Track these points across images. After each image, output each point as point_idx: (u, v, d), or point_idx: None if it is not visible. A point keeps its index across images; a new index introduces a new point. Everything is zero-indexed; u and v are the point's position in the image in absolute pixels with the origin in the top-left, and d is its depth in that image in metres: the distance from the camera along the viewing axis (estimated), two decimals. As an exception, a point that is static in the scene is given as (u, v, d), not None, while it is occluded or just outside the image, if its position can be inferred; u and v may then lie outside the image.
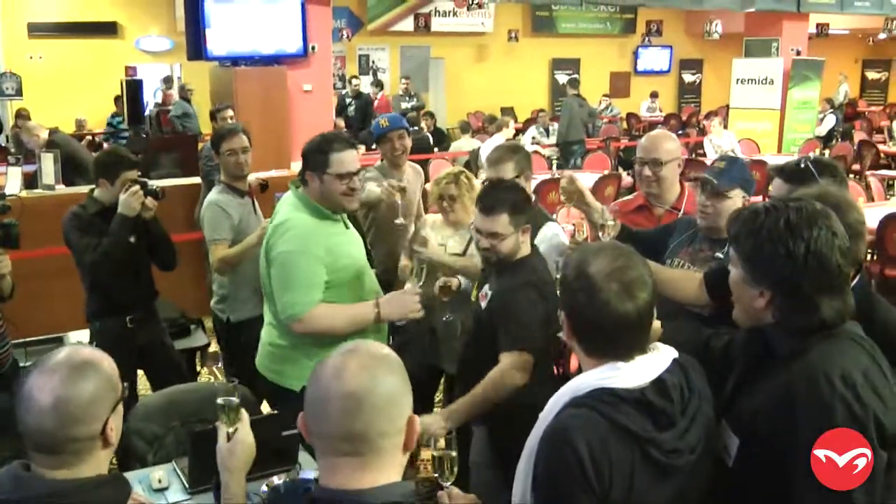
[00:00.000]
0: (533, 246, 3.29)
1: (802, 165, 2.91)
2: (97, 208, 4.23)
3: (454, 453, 2.20)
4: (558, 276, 2.13)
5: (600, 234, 3.23)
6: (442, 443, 2.18)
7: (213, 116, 7.58)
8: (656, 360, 1.94)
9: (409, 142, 4.91)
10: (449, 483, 2.16)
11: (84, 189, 6.89)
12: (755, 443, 1.99)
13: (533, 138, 13.30)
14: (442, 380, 4.55)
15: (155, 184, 4.36)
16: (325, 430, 1.65)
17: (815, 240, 1.91)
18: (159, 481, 2.83)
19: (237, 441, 2.27)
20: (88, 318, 4.39)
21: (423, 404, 4.51)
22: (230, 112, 7.23)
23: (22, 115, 11.91)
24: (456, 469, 2.20)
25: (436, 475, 2.16)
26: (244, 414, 2.34)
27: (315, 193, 3.32)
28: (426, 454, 4.04)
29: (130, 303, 4.32)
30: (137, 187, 4.12)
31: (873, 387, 1.87)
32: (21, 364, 4.33)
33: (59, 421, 1.76)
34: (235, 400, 2.32)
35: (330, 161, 3.27)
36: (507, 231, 3.09)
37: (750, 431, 2.00)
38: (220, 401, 2.31)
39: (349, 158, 3.30)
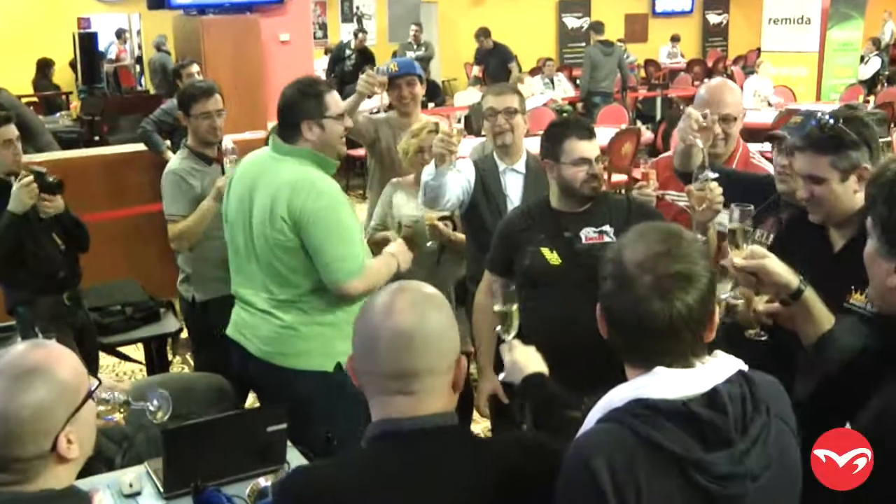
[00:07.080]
0: None
1: (827, 130, 2.54)
2: None
3: (515, 306, 2.63)
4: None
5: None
6: (503, 299, 2.64)
7: (176, 74, 7.50)
8: (713, 369, 1.76)
9: (419, 90, 4.92)
10: (510, 337, 2.60)
11: (37, 157, 6.87)
12: (880, 454, 1.83)
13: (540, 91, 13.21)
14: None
15: (52, 176, 4.06)
16: (377, 367, 1.85)
17: None
18: (130, 486, 2.81)
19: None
20: (11, 309, 4.31)
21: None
22: (195, 67, 7.16)
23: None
24: (517, 323, 2.63)
25: (497, 328, 2.67)
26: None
27: (317, 144, 3.36)
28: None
29: (59, 282, 4.25)
30: (31, 178, 3.82)
31: None
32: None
33: None
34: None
35: (327, 103, 3.36)
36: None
37: (874, 438, 1.84)
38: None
39: (338, 97, 3.45)
